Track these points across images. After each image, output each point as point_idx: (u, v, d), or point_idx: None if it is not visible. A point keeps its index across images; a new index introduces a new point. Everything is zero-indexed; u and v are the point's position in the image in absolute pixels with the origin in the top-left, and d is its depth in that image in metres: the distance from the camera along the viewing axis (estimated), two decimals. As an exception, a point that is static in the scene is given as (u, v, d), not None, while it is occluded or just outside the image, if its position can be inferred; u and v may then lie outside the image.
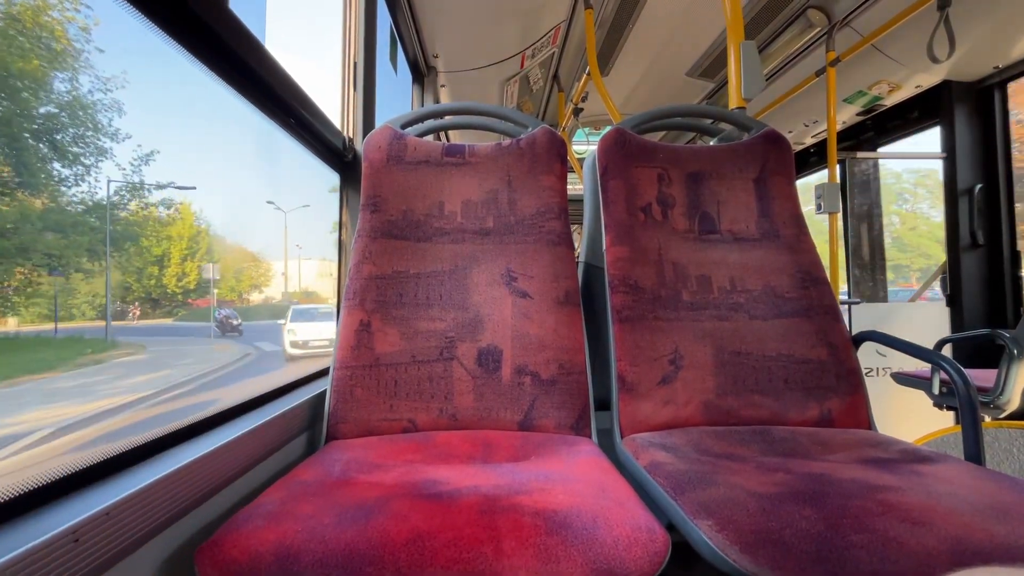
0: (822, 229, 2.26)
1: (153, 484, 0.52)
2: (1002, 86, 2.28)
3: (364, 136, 1.21)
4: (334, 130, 1.22)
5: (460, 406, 0.96)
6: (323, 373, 1.16)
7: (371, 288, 1.02)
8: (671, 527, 0.61)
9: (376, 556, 0.49)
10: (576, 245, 1.26)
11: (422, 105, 2.65)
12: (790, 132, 2.99)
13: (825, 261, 1.57)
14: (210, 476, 0.62)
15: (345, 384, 0.93)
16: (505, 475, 0.67)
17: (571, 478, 0.66)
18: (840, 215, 2.27)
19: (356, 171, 1.27)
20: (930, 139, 2.48)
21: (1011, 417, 1.53)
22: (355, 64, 1.38)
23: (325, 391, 0.95)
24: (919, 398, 1.71)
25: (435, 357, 0.99)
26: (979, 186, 2.30)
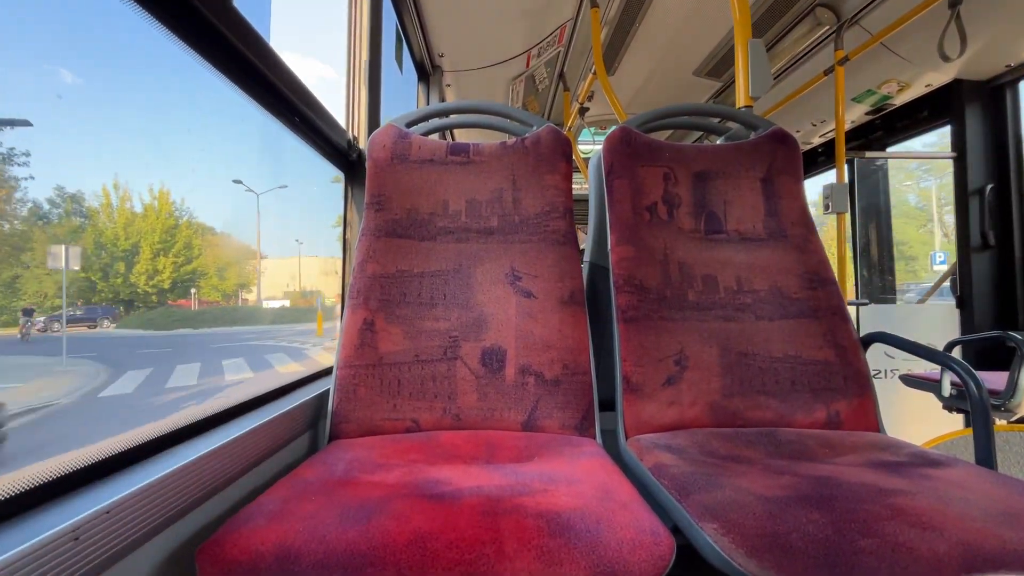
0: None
1: (154, 483, 0.52)
2: (1014, 85, 2.25)
3: (369, 135, 1.21)
4: (339, 128, 1.22)
5: (463, 406, 0.95)
6: (326, 372, 1.16)
7: (375, 287, 1.01)
8: (676, 530, 0.61)
9: (377, 557, 0.49)
10: (581, 244, 1.25)
11: (427, 104, 2.65)
12: (798, 131, 2.97)
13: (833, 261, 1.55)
14: (212, 475, 0.62)
15: (348, 383, 0.93)
16: (508, 476, 0.66)
17: (574, 479, 0.65)
18: (849, 215, 2.25)
19: (361, 170, 1.27)
20: (938, 138, 2.46)
21: (1022, 420, 1.51)
22: (361, 63, 1.38)
23: (328, 390, 0.95)
24: (928, 401, 1.69)
25: (439, 356, 0.98)
26: (990, 186, 2.28)
